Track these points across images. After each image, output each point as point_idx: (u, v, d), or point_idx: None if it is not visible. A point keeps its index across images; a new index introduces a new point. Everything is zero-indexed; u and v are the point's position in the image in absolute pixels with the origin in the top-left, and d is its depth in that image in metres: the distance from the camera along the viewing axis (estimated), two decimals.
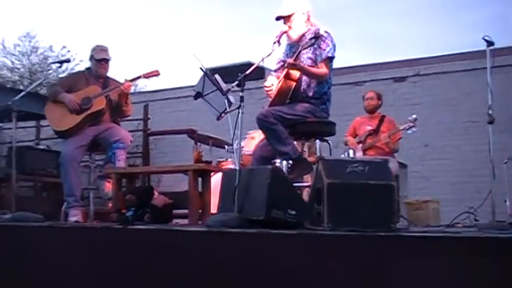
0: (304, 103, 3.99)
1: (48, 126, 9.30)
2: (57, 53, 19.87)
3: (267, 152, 4.08)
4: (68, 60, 4.78)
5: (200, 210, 4.13)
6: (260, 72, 13.65)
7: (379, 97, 6.20)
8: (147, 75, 4.77)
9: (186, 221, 4.24)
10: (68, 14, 34.69)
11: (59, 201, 5.60)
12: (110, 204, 6.05)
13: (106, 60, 4.88)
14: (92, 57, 4.90)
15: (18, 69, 20.41)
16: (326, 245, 2.91)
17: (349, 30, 30.28)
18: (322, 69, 3.93)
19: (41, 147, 5.74)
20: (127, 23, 37.04)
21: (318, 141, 4.08)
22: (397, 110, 8.15)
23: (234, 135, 3.42)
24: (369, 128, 6.04)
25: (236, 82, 3.46)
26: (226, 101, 3.52)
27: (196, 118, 10.58)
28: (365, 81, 9.82)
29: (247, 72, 3.48)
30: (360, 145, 6.06)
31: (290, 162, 3.95)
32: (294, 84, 3.91)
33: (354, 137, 6.23)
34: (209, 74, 3.63)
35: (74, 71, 19.00)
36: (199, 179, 4.18)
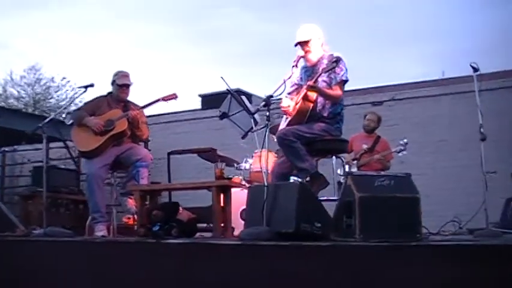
0: (320, 123, 3.85)
1: (57, 148, 9.01)
2: (58, 83, 19.77)
3: (285, 169, 3.93)
4: (92, 85, 4.52)
5: (222, 224, 3.88)
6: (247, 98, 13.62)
7: (379, 120, 6.12)
8: (166, 99, 4.54)
9: (209, 235, 3.99)
10: (69, 47, 34.15)
11: (80, 216, 5.34)
12: (125, 219, 5.80)
13: (127, 86, 4.68)
14: (113, 82, 4.69)
15: (23, 98, 20.35)
16: (359, 256, 2.72)
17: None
18: (337, 92, 3.79)
19: (62, 166, 5.46)
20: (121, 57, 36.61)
21: (334, 157, 3.88)
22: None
23: (266, 152, 3.20)
24: (365, 146, 5.90)
25: (263, 103, 3.27)
26: (252, 120, 3.31)
27: (192, 140, 10.44)
28: (347, 105, 9.72)
29: (273, 93, 3.29)
30: (355, 162, 5.90)
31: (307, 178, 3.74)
32: (311, 105, 3.76)
33: (349, 153, 6.06)
34: (236, 95, 3.41)
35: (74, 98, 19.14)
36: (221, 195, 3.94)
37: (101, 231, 4.26)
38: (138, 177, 4.34)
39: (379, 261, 2.65)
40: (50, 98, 20.68)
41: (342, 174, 5.71)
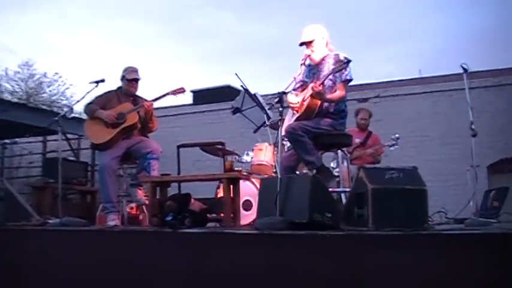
0: (326, 118, 3.88)
1: (55, 140, 8.88)
2: (50, 78, 19.50)
3: (292, 162, 3.96)
4: (102, 80, 4.47)
5: (232, 214, 3.88)
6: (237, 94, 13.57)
7: (370, 116, 6.21)
8: (175, 92, 4.51)
9: (217, 225, 3.98)
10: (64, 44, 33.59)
11: (88, 207, 5.28)
12: (128, 209, 5.73)
13: (136, 80, 4.64)
14: (123, 77, 4.66)
15: (17, 92, 20.04)
16: (373, 244, 2.75)
17: None
18: (339, 93, 3.85)
19: (71, 158, 5.35)
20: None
21: (339, 151, 3.91)
22: None
23: (280, 145, 3.21)
24: (357, 140, 5.94)
25: (277, 99, 3.27)
26: (265, 115, 3.31)
27: (187, 133, 10.40)
28: None
29: (285, 90, 3.29)
30: (348, 155, 5.94)
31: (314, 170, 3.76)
32: (319, 102, 3.76)
33: None
34: (250, 92, 3.41)
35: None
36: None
37: (112, 220, 4.23)
38: (149, 169, 4.32)
39: (393, 249, 2.69)
40: (43, 93, 20.39)
41: (334, 167, 5.76)
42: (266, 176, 4.49)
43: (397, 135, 5.89)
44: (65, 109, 4.34)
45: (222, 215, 3.98)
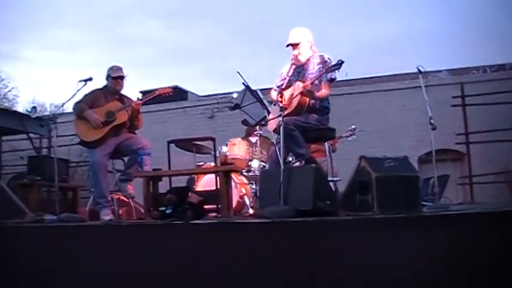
0: (313, 114, 3.85)
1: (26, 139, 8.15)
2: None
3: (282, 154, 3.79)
4: (90, 79, 4.12)
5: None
6: (184, 94, 13.21)
7: None
8: (162, 92, 4.27)
9: (214, 215, 3.79)
10: None
11: (71, 203, 4.85)
12: None
13: (122, 78, 4.32)
14: (109, 76, 4.33)
15: None
16: (379, 226, 2.71)
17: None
18: (325, 91, 3.83)
19: (52, 156, 4.88)
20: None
21: (326, 144, 3.85)
22: None
23: (282, 141, 3.10)
24: None
25: (279, 95, 3.15)
26: (266, 111, 3.19)
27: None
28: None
29: (284, 87, 3.18)
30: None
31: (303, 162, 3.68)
32: (308, 99, 3.69)
33: None
34: (252, 89, 3.26)
35: None
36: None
37: (107, 215, 3.94)
38: (142, 164, 4.04)
39: (400, 229, 2.66)
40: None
41: (292, 161, 5.72)
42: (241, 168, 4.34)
43: (353, 126, 5.90)
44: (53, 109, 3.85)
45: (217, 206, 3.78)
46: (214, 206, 3.83)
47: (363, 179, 2.99)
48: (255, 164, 4.88)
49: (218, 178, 3.69)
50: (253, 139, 5.39)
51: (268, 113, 3.33)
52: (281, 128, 3.19)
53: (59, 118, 3.79)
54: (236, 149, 5.03)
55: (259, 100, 3.29)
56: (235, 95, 3.80)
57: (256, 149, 5.20)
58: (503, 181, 7.74)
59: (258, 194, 3.83)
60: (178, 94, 11.70)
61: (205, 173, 4.09)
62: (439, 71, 11.37)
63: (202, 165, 5.43)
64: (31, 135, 7.94)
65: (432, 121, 4.24)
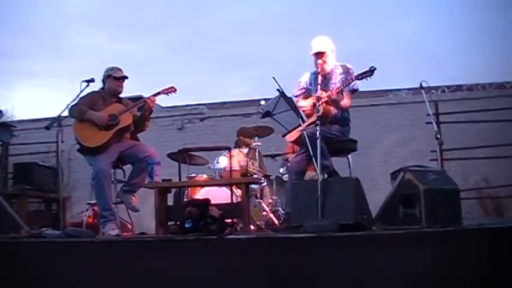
0: (336, 125, 3.76)
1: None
2: None
3: (303, 166, 3.77)
4: (92, 80, 3.82)
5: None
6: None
7: None
8: (167, 91, 4.02)
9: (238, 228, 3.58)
10: None
11: (54, 216, 4.44)
12: (83, 218, 4.92)
13: (124, 78, 4.02)
14: (109, 77, 4.00)
15: None
16: (427, 240, 2.65)
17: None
18: (347, 101, 3.76)
19: (42, 163, 4.39)
20: None
21: (349, 156, 3.77)
22: None
23: (319, 150, 2.99)
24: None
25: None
26: (300, 119, 3.07)
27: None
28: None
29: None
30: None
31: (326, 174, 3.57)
32: (332, 109, 3.62)
33: (293, 153, 5.93)
34: (287, 96, 3.13)
35: None
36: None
37: (113, 230, 3.59)
38: (152, 174, 3.74)
39: (448, 242, 2.61)
40: None
41: (283, 173, 5.61)
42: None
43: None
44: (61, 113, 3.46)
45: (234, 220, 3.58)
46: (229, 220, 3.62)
47: (409, 192, 2.92)
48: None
49: (240, 190, 3.51)
50: (244, 150, 5.26)
51: (303, 121, 3.18)
52: (317, 135, 3.07)
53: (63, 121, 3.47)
54: (235, 160, 4.85)
55: (294, 108, 3.14)
56: (263, 102, 3.64)
57: (252, 160, 5.08)
58: (474, 197, 8.03)
59: (287, 206, 3.66)
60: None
61: (224, 185, 3.87)
62: (400, 90, 11.76)
63: (194, 177, 5.19)
64: None
65: (438, 136, 4.29)
